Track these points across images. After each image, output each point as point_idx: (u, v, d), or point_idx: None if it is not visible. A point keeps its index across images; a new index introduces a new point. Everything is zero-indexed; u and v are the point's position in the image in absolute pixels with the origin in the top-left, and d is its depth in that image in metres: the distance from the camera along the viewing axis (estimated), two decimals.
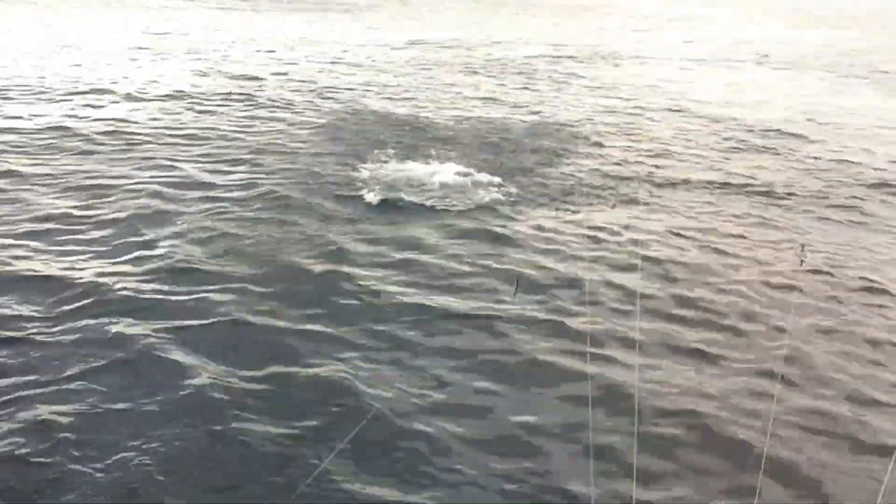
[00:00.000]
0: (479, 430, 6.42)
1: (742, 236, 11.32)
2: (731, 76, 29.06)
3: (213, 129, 16.91)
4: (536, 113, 20.31)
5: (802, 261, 8.04)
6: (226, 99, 20.49)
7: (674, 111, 21.35)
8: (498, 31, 42.32)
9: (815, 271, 10.10)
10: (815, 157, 16.54)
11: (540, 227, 11.29)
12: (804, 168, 15.65)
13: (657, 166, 15.24)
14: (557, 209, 12.18)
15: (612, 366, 7.32)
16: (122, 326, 7.65)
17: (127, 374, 6.88)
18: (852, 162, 16.19)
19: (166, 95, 20.33)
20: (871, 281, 9.88)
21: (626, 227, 11.38)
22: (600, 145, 16.83)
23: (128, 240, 10.06)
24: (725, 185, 14.08)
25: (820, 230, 11.84)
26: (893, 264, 10.56)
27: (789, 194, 13.64)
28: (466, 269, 9.65)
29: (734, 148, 17.17)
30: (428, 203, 12.15)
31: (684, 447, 6.34)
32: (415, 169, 14.01)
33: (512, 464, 6.03)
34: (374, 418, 6.29)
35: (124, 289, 8.50)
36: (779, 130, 19.17)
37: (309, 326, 7.87)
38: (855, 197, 13.74)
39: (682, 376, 7.27)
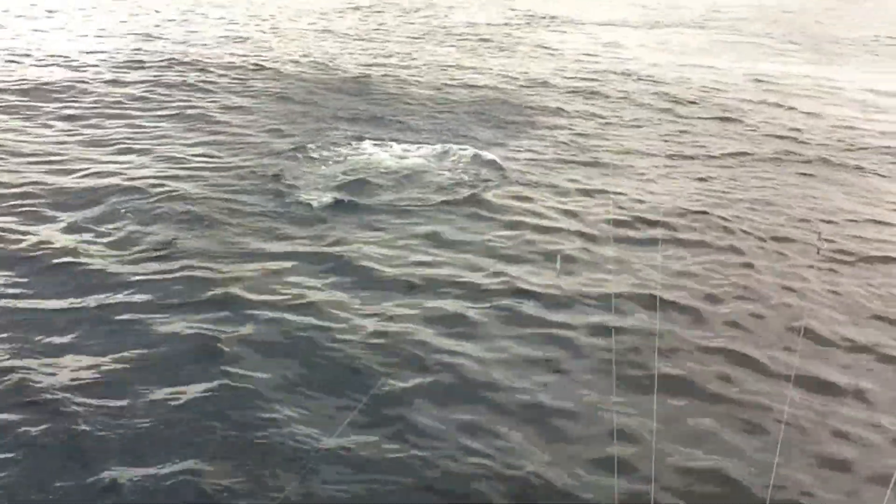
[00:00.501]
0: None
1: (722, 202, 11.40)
2: (677, 40, 29.17)
3: (117, 106, 15.90)
4: (486, 79, 19.97)
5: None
6: (139, 67, 19.49)
7: (625, 76, 21.28)
8: None
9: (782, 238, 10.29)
10: (767, 122, 16.74)
11: (523, 211, 10.87)
12: (762, 133, 15.81)
13: (618, 134, 15.19)
14: (533, 186, 11.87)
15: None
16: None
17: None
18: (799, 128, 16.40)
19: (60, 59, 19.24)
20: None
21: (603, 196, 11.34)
22: (560, 114, 16.67)
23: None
24: (679, 154, 14.16)
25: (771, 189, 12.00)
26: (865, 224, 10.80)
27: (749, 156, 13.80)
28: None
29: (688, 115, 17.22)
30: (388, 199, 11.03)
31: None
32: (369, 151, 13.20)
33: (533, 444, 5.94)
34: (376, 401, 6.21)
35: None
36: (726, 93, 19.37)
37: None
38: (808, 160, 13.96)
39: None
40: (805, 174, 13.20)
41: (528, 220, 10.50)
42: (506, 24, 31.77)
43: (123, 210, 10.16)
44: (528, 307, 8.04)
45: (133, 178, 11.32)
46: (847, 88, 20.81)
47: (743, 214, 11.02)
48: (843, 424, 6.42)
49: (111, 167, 11.89)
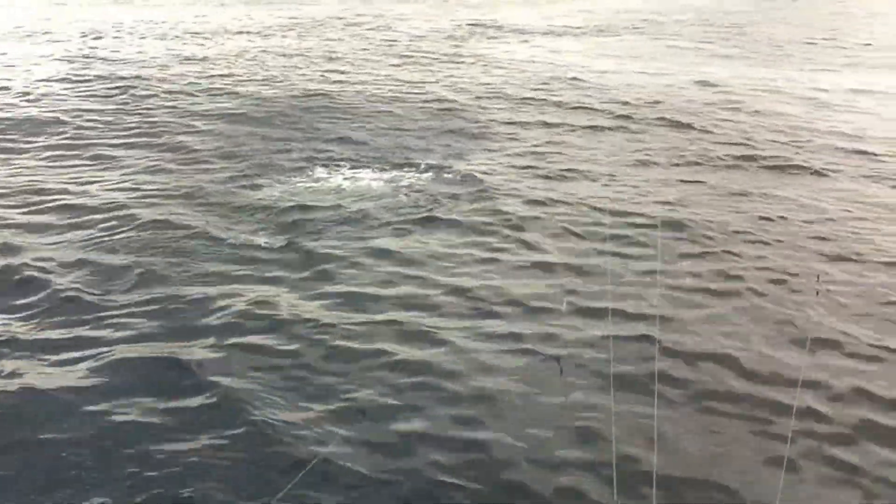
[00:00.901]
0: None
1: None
2: (622, 46, 29.40)
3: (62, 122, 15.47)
4: (437, 92, 19.80)
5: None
6: (81, 90, 18.90)
7: (575, 84, 21.26)
8: (380, 11, 41.32)
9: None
10: (719, 126, 16.83)
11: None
12: (718, 137, 15.85)
13: (574, 142, 15.14)
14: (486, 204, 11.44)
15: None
16: None
17: None
18: (754, 130, 16.53)
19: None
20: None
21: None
22: (514, 124, 16.57)
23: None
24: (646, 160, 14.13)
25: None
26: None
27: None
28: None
29: (642, 121, 17.24)
30: (346, 220, 10.66)
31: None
32: (322, 175, 12.77)
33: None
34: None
35: None
36: (677, 98, 19.50)
37: None
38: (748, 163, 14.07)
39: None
40: (769, 175, 13.28)
41: (496, 232, 10.30)
42: (451, 37, 31.65)
43: (72, 238, 9.93)
44: (516, 318, 7.95)
45: (79, 207, 11.12)
46: (793, 89, 21.11)
47: (722, 218, 10.96)
48: (851, 430, 6.33)
49: (58, 195, 11.60)
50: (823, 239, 10.38)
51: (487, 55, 26.66)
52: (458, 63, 25.02)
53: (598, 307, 8.05)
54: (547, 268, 9.26)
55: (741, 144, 15.27)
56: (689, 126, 16.64)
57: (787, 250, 9.95)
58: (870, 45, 29.97)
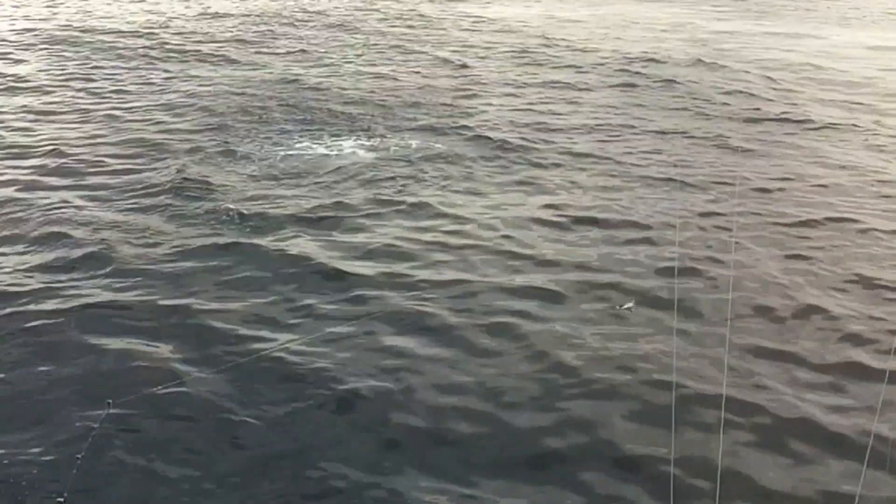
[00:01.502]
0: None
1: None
2: (601, 10, 28.60)
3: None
4: (403, 72, 18.88)
5: None
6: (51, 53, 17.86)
7: (558, 47, 20.49)
8: None
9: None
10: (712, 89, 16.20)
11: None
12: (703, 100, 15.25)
13: (568, 112, 14.36)
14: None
15: None
16: None
17: None
18: (746, 92, 15.92)
19: None
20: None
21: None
22: (499, 93, 15.77)
23: None
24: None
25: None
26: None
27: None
28: None
29: (627, 84, 16.55)
30: (322, 198, 9.76)
31: None
32: (302, 148, 11.86)
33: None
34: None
35: None
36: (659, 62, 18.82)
37: None
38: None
39: None
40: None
41: (466, 215, 9.45)
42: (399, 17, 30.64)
43: (44, 217, 9.06)
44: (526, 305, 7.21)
45: (47, 183, 10.32)
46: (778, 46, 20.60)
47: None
48: None
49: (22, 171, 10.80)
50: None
51: (469, 14, 25.79)
52: (440, 25, 24.13)
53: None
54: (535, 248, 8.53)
55: (750, 101, 14.72)
56: (683, 90, 16.02)
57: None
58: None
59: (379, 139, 12.22)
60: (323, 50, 19.85)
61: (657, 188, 10.34)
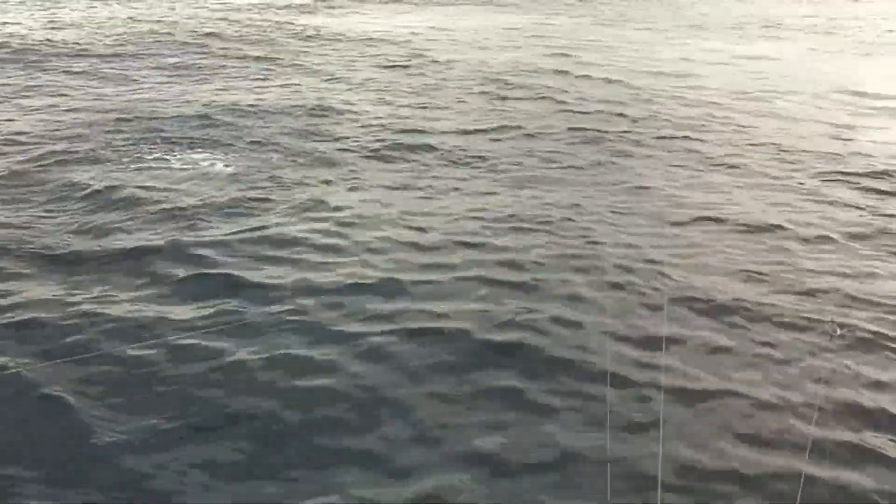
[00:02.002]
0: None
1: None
2: (455, 19, 29.01)
3: None
4: (273, 70, 18.72)
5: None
6: None
7: (425, 59, 20.61)
8: None
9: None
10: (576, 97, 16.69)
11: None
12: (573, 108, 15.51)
13: (442, 117, 14.44)
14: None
15: None
16: None
17: None
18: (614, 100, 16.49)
19: None
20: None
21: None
22: (367, 102, 15.68)
23: None
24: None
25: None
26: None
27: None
28: None
29: (493, 93, 16.87)
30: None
31: None
32: (153, 161, 11.34)
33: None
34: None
35: None
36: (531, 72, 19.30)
37: None
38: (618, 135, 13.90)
39: None
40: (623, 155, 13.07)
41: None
42: (289, 7, 30.32)
43: None
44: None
45: None
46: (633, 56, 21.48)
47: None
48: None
49: None
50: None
51: (331, 28, 25.65)
52: (301, 37, 23.88)
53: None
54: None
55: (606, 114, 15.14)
56: (551, 98, 16.41)
57: None
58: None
59: (239, 153, 11.83)
60: (185, 67, 19.28)
61: (532, 187, 10.55)
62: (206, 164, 11.30)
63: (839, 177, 11.19)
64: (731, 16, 30.83)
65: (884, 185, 10.85)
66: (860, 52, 22.76)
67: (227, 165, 11.24)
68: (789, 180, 11.06)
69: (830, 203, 10.15)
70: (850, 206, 10.06)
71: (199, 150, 11.99)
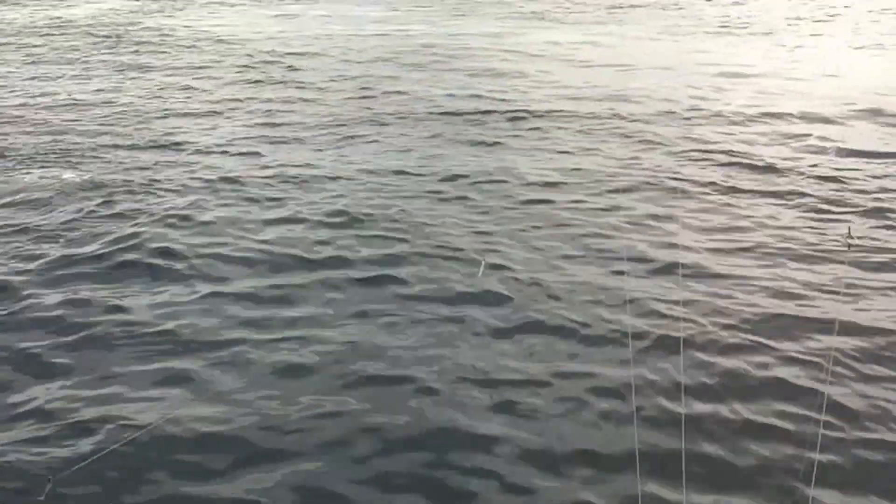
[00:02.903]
0: None
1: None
2: (340, 15, 28.58)
3: None
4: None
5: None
6: None
7: (273, 63, 20.25)
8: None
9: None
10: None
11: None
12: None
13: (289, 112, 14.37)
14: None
15: None
16: None
17: None
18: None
19: None
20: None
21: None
22: (221, 110, 15.34)
23: None
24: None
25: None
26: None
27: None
28: None
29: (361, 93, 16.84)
30: None
31: None
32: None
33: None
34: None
35: None
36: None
37: None
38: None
39: None
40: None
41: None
42: (136, 11, 28.84)
43: None
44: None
45: None
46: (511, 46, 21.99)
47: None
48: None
49: None
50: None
51: (183, 29, 24.62)
52: (148, 41, 22.79)
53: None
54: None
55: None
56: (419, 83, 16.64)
57: None
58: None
59: (83, 167, 11.56)
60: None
61: (399, 182, 10.99)
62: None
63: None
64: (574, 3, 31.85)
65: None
66: (709, 31, 24.19)
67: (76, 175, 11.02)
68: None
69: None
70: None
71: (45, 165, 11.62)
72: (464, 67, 19.04)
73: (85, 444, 5.46)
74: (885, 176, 10.95)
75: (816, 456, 5.11)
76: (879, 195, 10.19)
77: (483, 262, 7.80)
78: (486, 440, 5.51)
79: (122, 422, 5.71)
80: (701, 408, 5.82)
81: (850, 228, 8.44)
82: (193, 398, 6.02)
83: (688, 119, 14.16)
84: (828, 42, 21.89)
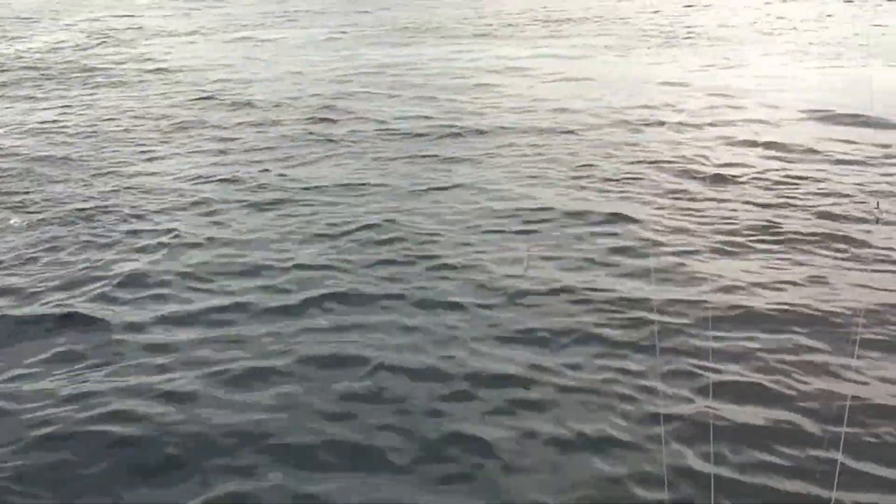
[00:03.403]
0: None
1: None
2: (269, 45, 28.47)
3: None
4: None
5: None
6: None
7: (239, 91, 20.17)
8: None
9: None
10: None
11: None
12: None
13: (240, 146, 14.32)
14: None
15: None
16: None
17: None
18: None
19: None
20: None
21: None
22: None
23: None
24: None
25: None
26: None
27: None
28: None
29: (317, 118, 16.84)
30: None
31: None
32: None
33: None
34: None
35: None
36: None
37: None
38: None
39: None
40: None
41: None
42: (78, 46, 28.43)
43: None
44: None
45: None
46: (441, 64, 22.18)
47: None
48: None
49: None
50: None
51: (133, 61, 24.33)
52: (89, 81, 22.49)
53: None
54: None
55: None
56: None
57: None
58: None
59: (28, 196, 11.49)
60: None
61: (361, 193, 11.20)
62: None
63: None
64: (512, 14, 32.29)
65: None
66: (651, 45, 24.71)
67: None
68: None
69: None
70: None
71: None
72: (414, 86, 19.23)
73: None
74: (829, 179, 11.32)
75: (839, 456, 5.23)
76: (828, 196, 10.54)
77: (527, 257, 7.93)
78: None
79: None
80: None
81: (878, 203, 8.42)
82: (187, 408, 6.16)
83: (636, 130, 14.49)
84: (771, 50, 22.52)
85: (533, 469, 5.43)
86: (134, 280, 8.58)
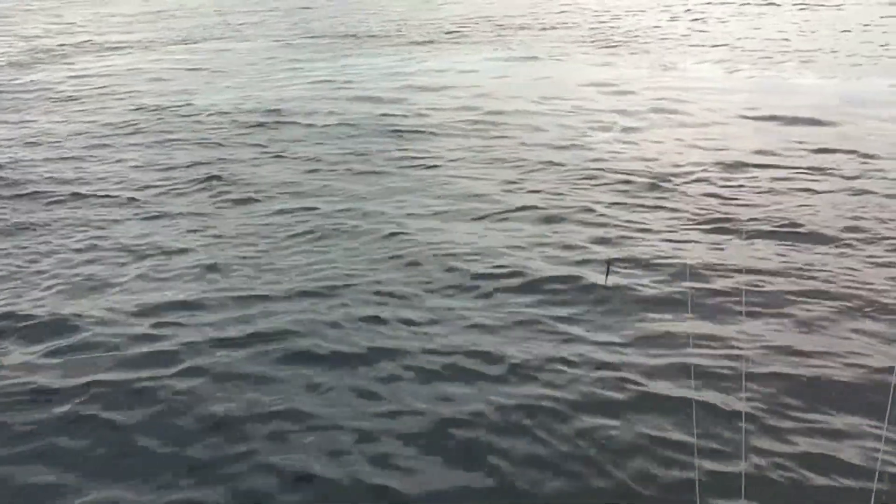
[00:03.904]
0: None
1: None
2: (219, 58, 28.12)
3: None
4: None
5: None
6: None
7: (185, 105, 19.89)
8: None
9: None
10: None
11: None
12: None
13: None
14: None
15: None
16: None
17: None
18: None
19: None
20: None
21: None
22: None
23: None
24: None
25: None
26: None
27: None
28: None
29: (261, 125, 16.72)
30: None
31: None
32: None
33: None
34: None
35: None
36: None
37: None
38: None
39: None
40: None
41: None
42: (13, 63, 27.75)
43: None
44: None
45: None
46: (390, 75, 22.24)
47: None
48: None
49: None
50: None
51: (69, 79, 23.84)
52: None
53: None
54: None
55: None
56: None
57: None
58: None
59: None
60: None
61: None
62: None
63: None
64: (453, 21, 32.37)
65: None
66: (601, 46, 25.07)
67: None
68: None
69: None
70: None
71: None
72: (358, 98, 19.23)
73: None
74: (765, 178, 11.71)
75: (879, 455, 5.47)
76: (764, 199, 10.90)
77: (608, 266, 7.94)
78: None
79: None
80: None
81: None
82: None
83: (579, 135, 14.77)
84: (707, 56, 23.08)
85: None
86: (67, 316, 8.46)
